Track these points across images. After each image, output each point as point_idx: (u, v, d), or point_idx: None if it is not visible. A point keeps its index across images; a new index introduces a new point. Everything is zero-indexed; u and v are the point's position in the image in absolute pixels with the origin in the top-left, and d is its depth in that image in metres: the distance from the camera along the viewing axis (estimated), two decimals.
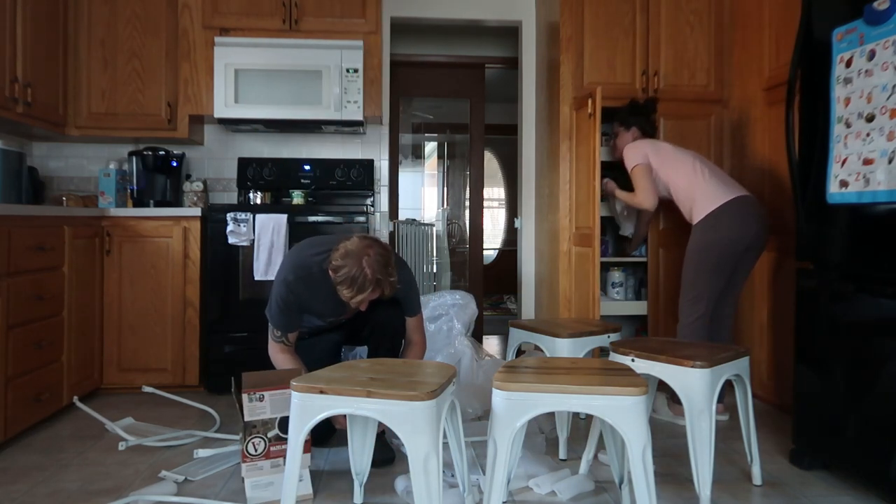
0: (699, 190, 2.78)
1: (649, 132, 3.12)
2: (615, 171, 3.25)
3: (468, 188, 4.94)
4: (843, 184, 2.06)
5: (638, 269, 3.60)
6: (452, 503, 1.91)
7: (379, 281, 2.05)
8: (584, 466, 2.17)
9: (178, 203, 3.66)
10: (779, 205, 2.97)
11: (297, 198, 3.67)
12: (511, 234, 7.44)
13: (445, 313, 3.18)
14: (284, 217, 3.25)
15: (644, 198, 2.91)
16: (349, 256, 2.04)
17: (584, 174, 3.27)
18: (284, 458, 1.97)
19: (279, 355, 2.32)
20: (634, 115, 3.12)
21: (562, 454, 2.38)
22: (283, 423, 1.99)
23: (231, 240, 3.24)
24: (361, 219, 3.35)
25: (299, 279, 2.24)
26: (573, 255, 3.43)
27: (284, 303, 2.25)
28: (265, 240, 3.23)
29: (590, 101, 3.13)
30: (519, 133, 4.32)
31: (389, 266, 2.08)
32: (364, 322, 2.43)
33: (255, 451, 1.98)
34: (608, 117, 3.20)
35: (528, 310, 4.20)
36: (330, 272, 2.10)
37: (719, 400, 2.66)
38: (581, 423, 2.79)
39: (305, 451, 1.96)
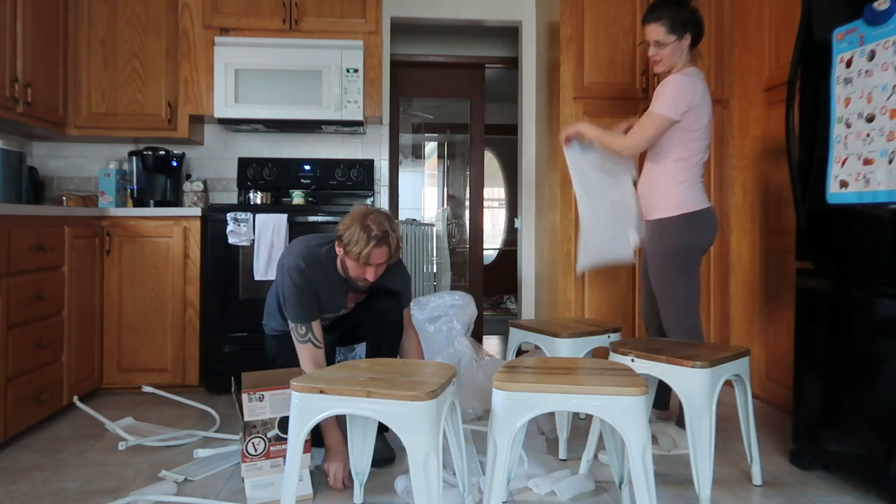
0: (698, 174, 2.46)
1: (698, 39, 2.51)
2: None
3: (468, 188, 4.94)
4: (843, 184, 2.06)
5: None
6: (452, 503, 1.91)
7: (386, 234, 2.14)
8: (584, 466, 2.17)
9: (178, 203, 3.66)
10: (779, 205, 2.97)
11: (297, 198, 3.67)
12: (511, 234, 7.43)
13: (445, 314, 3.18)
14: (284, 217, 3.26)
15: (636, 144, 2.41)
16: (353, 218, 2.17)
17: None
18: (284, 458, 1.97)
19: (310, 366, 2.20)
20: (691, 13, 2.46)
21: (562, 454, 2.38)
22: (283, 423, 1.99)
23: (231, 240, 3.24)
24: None
25: (311, 266, 2.25)
26: None
27: (300, 291, 2.21)
28: (265, 240, 3.23)
29: None
30: (519, 133, 4.32)
31: (392, 222, 2.20)
32: (363, 317, 2.43)
33: (255, 451, 1.98)
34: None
35: (528, 310, 4.20)
36: (337, 245, 2.20)
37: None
38: (581, 423, 2.79)
39: (305, 451, 1.96)
